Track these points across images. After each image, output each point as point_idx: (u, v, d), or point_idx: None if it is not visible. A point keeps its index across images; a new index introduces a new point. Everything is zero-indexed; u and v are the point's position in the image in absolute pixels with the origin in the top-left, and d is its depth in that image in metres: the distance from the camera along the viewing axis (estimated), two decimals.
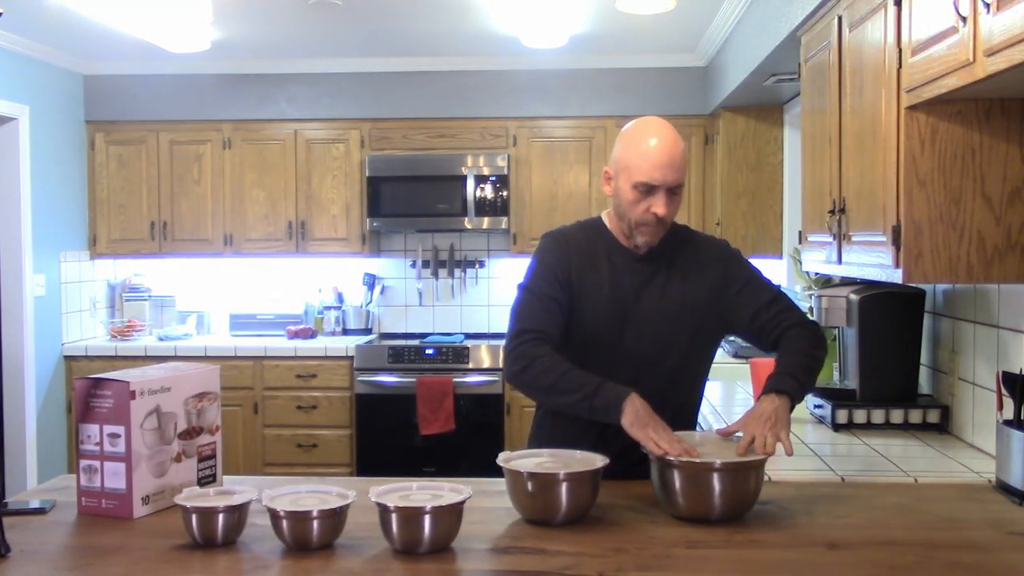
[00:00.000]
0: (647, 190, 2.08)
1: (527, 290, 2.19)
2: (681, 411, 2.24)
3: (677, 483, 1.82)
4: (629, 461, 1.98)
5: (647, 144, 2.09)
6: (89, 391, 1.91)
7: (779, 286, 2.28)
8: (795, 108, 4.68)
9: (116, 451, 1.88)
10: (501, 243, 5.82)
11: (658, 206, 2.08)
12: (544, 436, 2.24)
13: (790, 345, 2.15)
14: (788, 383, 2.04)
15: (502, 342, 5.28)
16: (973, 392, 2.61)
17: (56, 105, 5.39)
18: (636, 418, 1.93)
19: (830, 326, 3.05)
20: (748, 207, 5.02)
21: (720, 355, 4.89)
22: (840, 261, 2.70)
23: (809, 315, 3.21)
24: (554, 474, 1.81)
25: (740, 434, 1.96)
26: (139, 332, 5.67)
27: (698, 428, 3.23)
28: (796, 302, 2.29)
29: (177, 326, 5.76)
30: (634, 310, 2.17)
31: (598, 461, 1.87)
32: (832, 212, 2.74)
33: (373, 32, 4.88)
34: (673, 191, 2.10)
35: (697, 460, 1.81)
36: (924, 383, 2.94)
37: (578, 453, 1.93)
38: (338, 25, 4.72)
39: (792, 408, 2.03)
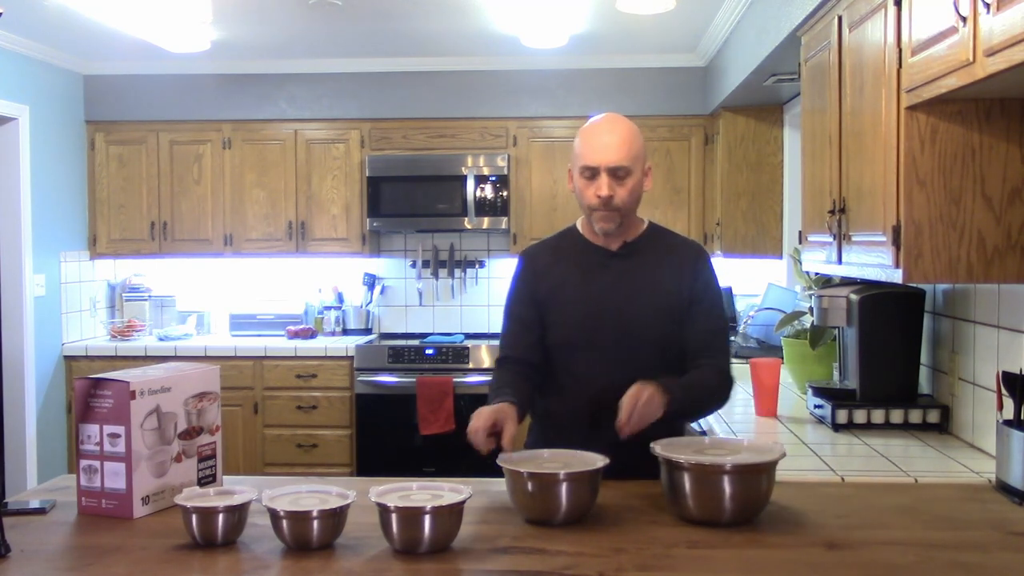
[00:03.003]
0: (592, 174, 2.18)
1: (504, 314, 2.36)
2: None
3: (687, 485, 1.81)
4: (621, 462, 1.98)
5: (592, 131, 2.21)
6: (89, 391, 1.91)
7: (727, 321, 2.32)
8: (795, 108, 4.68)
9: (116, 451, 1.88)
10: (501, 243, 5.82)
11: (601, 188, 2.16)
12: (535, 440, 2.30)
13: (701, 376, 2.19)
14: (675, 391, 2.04)
15: None
16: (973, 392, 2.61)
17: (56, 105, 5.39)
18: (470, 428, 1.98)
19: (830, 326, 3.05)
20: (748, 207, 5.02)
21: None
22: (840, 261, 2.70)
23: (810, 315, 3.22)
24: (554, 474, 1.81)
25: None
26: (139, 332, 5.67)
27: (699, 429, 3.23)
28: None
29: (177, 326, 5.76)
30: (606, 307, 2.22)
31: (598, 461, 1.87)
32: (832, 212, 2.75)
33: (373, 32, 4.88)
34: (617, 175, 2.16)
35: (707, 462, 1.80)
36: (924, 383, 2.93)
37: (578, 453, 1.93)
38: (338, 25, 4.72)
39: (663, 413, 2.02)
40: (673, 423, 2.29)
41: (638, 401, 1.95)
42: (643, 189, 2.24)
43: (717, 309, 2.28)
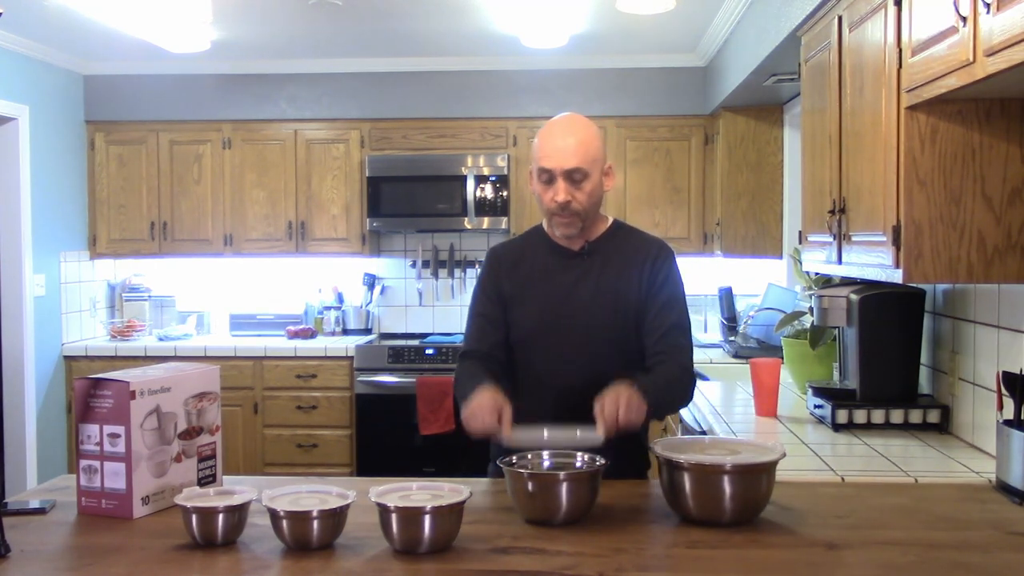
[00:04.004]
0: (549, 178, 2.17)
1: (470, 311, 2.36)
2: None
3: (687, 485, 1.81)
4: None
5: (548, 134, 2.21)
6: (89, 391, 1.91)
7: (686, 317, 2.26)
8: (795, 108, 4.68)
9: (116, 451, 1.88)
10: None
11: (558, 193, 2.16)
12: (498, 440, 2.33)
13: (666, 372, 2.16)
14: (649, 390, 2.02)
15: None
16: (973, 392, 2.61)
17: (56, 105, 5.39)
18: (469, 412, 2.01)
19: (830, 326, 3.05)
20: (748, 207, 5.02)
21: (720, 355, 4.92)
22: (840, 261, 2.70)
23: (810, 315, 3.22)
24: (554, 474, 1.82)
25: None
26: (139, 332, 5.67)
27: (699, 429, 3.23)
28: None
29: (177, 326, 5.76)
30: (567, 306, 2.22)
31: (598, 460, 1.87)
32: (832, 212, 2.75)
33: (373, 32, 4.88)
34: (574, 179, 2.15)
35: (707, 462, 1.80)
36: (924, 383, 2.93)
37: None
38: (338, 25, 4.72)
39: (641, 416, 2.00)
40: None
41: (618, 407, 1.92)
42: (603, 190, 2.23)
43: (674, 304, 2.23)
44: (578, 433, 1.97)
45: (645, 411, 1.99)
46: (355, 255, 5.64)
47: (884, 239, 2.31)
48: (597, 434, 1.94)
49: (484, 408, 1.98)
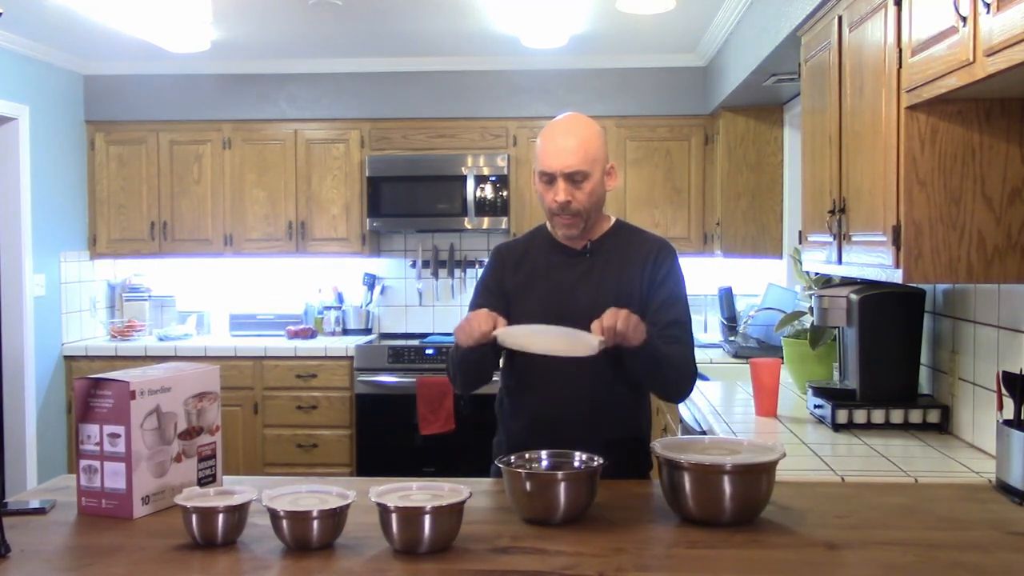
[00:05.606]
0: (549, 180, 2.18)
1: (471, 305, 2.36)
2: (629, 400, 2.27)
3: (687, 485, 1.80)
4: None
5: (549, 136, 2.21)
6: (89, 391, 1.91)
7: (687, 314, 2.27)
8: (795, 108, 4.68)
9: (116, 451, 1.88)
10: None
11: (558, 193, 2.17)
12: (500, 439, 2.38)
13: (668, 347, 2.18)
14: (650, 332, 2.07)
15: None
16: (973, 392, 2.61)
17: (56, 105, 5.39)
18: (461, 324, 2.06)
19: (830, 326, 3.05)
20: (748, 207, 5.03)
21: (720, 355, 4.92)
22: (840, 261, 2.70)
23: (810, 315, 3.22)
24: (552, 474, 1.82)
25: None
26: (139, 332, 5.67)
27: (699, 429, 3.23)
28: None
29: (177, 326, 5.76)
30: (569, 304, 2.23)
31: (596, 461, 1.88)
32: (832, 212, 2.75)
33: (373, 32, 4.89)
34: (574, 179, 2.16)
35: (707, 462, 1.80)
36: (924, 383, 2.93)
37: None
38: (338, 25, 4.72)
39: (636, 347, 2.03)
40: (638, 404, 2.29)
41: (618, 318, 1.96)
42: (605, 189, 2.23)
43: (675, 301, 2.24)
44: (573, 334, 1.98)
45: (644, 331, 2.01)
46: (355, 255, 5.64)
47: (884, 239, 2.31)
48: (593, 338, 1.94)
49: (479, 316, 2.03)
